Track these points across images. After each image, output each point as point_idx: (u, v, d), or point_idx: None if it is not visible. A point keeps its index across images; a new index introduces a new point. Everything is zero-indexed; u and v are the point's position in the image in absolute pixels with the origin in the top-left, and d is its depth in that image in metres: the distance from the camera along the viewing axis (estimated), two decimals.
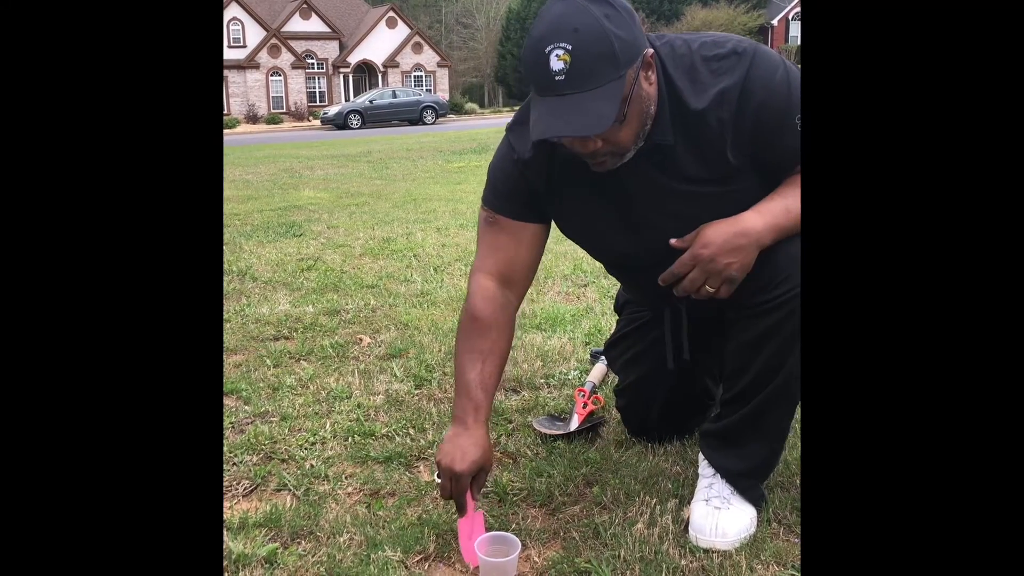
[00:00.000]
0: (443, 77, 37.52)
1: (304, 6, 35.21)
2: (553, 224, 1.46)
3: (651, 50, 1.21)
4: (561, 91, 1.15)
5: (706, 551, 1.34)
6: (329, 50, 36.00)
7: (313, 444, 1.81)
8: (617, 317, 1.80)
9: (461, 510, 1.35)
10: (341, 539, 1.41)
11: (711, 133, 1.25)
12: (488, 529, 1.38)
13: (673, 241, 1.30)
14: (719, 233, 1.26)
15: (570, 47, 1.12)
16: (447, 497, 1.36)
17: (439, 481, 1.35)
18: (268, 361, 2.37)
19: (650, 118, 1.25)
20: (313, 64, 35.47)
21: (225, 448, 1.79)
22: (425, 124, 26.26)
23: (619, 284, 1.77)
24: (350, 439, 1.83)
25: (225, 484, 1.64)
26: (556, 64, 1.13)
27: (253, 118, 32.25)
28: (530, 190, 1.38)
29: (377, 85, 34.58)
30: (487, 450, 1.35)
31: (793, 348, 1.29)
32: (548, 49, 1.14)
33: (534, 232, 1.42)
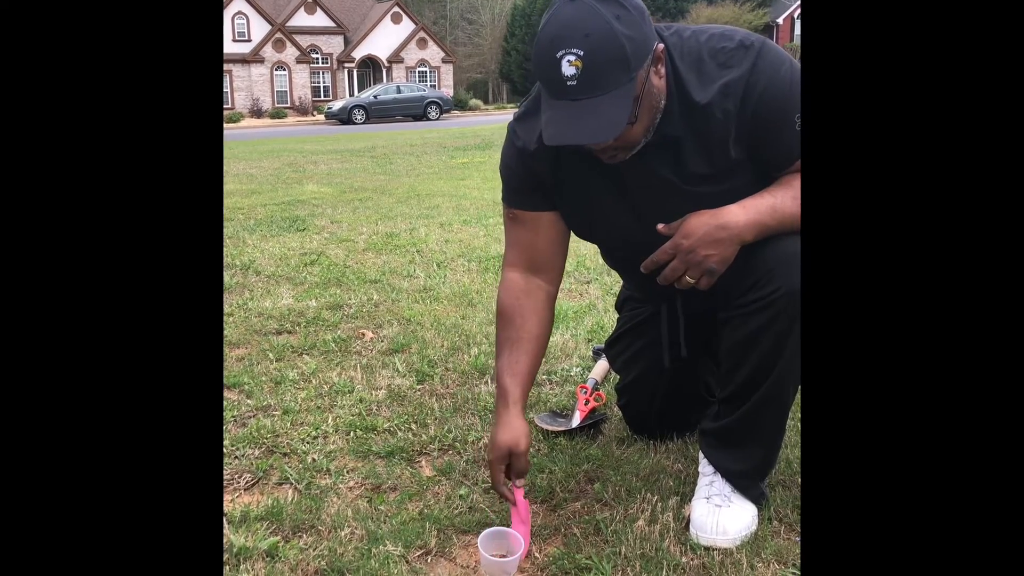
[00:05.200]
0: (447, 73, 37.49)
1: (309, 1, 35.20)
2: None
3: (661, 44, 1.21)
4: (573, 96, 1.15)
5: (707, 549, 1.34)
6: (334, 45, 35.98)
7: (315, 438, 1.82)
8: (618, 315, 1.80)
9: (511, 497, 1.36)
10: (342, 533, 1.41)
11: (716, 126, 1.26)
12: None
13: (660, 227, 1.31)
14: (700, 224, 1.26)
15: (581, 53, 1.12)
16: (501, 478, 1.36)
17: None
18: (271, 355, 2.38)
19: (660, 112, 1.25)
20: (318, 59, 35.45)
21: (227, 441, 1.79)
22: (429, 120, 26.25)
23: (622, 282, 1.77)
24: (352, 433, 1.83)
25: (227, 477, 1.64)
26: (568, 69, 1.13)
27: (257, 112, 32.24)
28: (537, 180, 1.40)
29: (381, 80, 34.58)
30: (516, 432, 1.36)
31: (784, 347, 1.28)
32: (560, 54, 1.13)
33: (549, 220, 1.44)
